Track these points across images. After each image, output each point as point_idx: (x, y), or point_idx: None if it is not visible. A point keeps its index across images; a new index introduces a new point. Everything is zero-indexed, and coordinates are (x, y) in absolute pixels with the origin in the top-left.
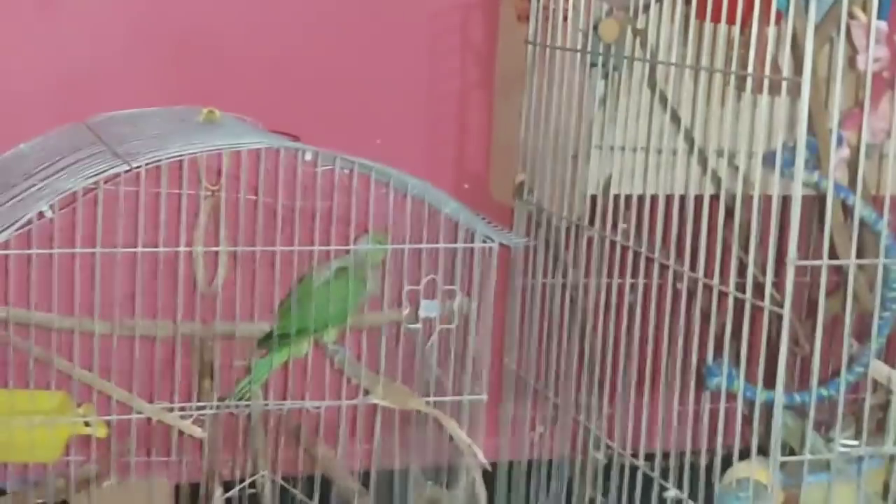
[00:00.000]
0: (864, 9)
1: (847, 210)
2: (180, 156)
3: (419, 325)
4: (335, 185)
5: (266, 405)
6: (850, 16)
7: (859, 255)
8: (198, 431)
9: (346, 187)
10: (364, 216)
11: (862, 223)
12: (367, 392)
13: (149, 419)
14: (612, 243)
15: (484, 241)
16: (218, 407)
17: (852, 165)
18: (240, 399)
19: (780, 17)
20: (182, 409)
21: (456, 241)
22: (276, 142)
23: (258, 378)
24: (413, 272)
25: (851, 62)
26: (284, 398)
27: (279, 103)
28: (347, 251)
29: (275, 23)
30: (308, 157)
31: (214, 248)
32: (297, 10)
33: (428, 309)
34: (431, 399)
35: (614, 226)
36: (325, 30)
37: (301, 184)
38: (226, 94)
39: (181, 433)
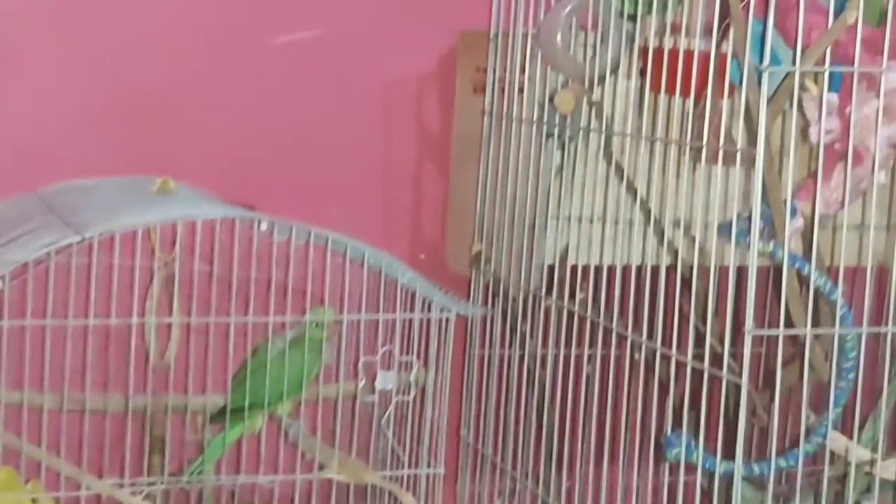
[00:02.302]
0: (816, 81)
1: (802, 280)
2: (134, 226)
3: (375, 397)
4: (291, 255)
5: (219, 480)
6: (803, 88)
7: (815, 324)
8: None
9: (302, 257)
10: (320, 286)
11: (817, 293)
12: (321, 466)
13: (98, 496)
14: (570, 313)
15: (441, 311)
16: (169, 482)
17: (806, 236)
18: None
19: (734, 89)
20: (132, 484)
21: (412, 311)
22: (232, 211)
23: (211, 457)
24: (369, 343)
25: (804, 134)
26: (237, 472)
27: (234, 173)
28: (302, 322)
29: (229, 92)
30: (263, 226)
31: (167, 320)
32: (252, 79)
33: (384, 380)
34: (388, 473)
35: (572, 296)
36: (281, 99)
37: (256, 254)
38: (180, 164)
39: None
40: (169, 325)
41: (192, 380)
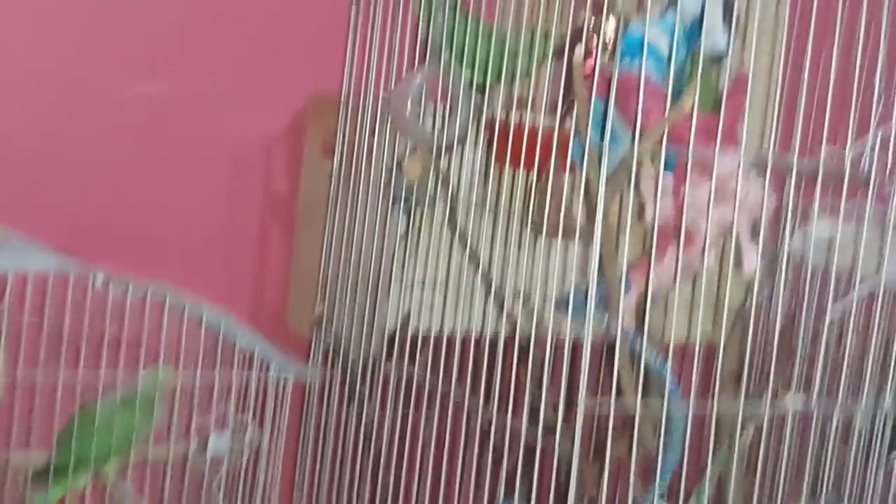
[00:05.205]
0: (653, 162)
1: (634, 354)
2: None
3: (207, 460)
4: (126, 311)
5: None
6: (640, 169)
7: (645, 397)
8: None
9: (138, 312)
10: (155, 342)
11: (647, 367)
12: None
13: None
14: (409, 379)
15: (278, 373)
16: None
17: (639, 312)
18: None
19: (575, 165)
20: None
21: (250, 370)
22: (66, 264)
23: None
24: (204, 402)
25: (640, 212)
26: None
27: (72, 224)
28: (135, 379)
29: (72, 143)
30: (99, 283)
31: None
32: (96, 130)
33: (217, 444)
34: None
35: (412, 361)
36: (126, 153)
37: (90, 308)
38: (15, 212)
39: None
40: None
41: (14, 434)
